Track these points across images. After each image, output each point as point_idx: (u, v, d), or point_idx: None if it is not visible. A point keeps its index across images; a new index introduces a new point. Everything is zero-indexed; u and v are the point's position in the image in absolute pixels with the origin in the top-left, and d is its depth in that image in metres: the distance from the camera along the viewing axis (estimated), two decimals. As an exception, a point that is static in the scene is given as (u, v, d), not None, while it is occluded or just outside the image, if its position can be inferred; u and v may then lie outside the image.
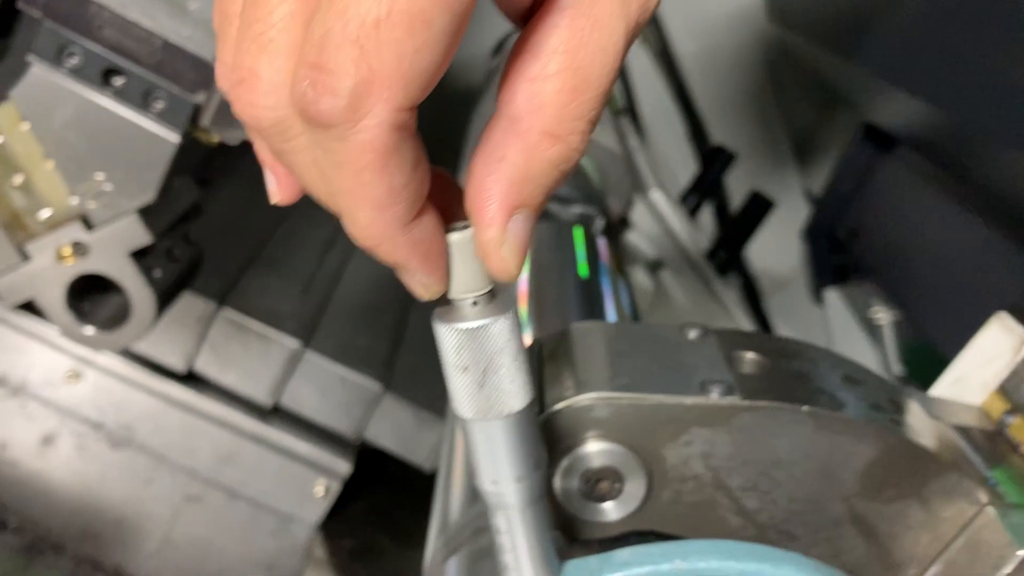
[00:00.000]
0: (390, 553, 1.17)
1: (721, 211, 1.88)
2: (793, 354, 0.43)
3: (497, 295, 0.32)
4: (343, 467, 1.12)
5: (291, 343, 1.09)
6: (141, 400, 1.08)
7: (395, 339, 1.25)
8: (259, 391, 1.10)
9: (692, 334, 0.44)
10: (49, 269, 0.85)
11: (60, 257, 0.84)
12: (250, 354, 1.09)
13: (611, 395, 0.39)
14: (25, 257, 0.84)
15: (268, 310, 1.11)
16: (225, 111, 0.81)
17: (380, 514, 1.21)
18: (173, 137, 0.80)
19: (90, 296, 0.90)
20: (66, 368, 1.06)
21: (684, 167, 1.90)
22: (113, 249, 0.84)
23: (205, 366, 1.09)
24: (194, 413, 1.09)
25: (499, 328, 0.31)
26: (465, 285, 0.32)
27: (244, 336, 1.08)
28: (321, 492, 1.12)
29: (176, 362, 1.07)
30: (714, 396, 0.39)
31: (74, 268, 0.85)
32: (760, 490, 0.40)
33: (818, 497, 0.40)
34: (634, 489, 0.40)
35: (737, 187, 1.85)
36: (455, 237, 0.31)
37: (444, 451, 0.62)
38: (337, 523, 1.15)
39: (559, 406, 0.39)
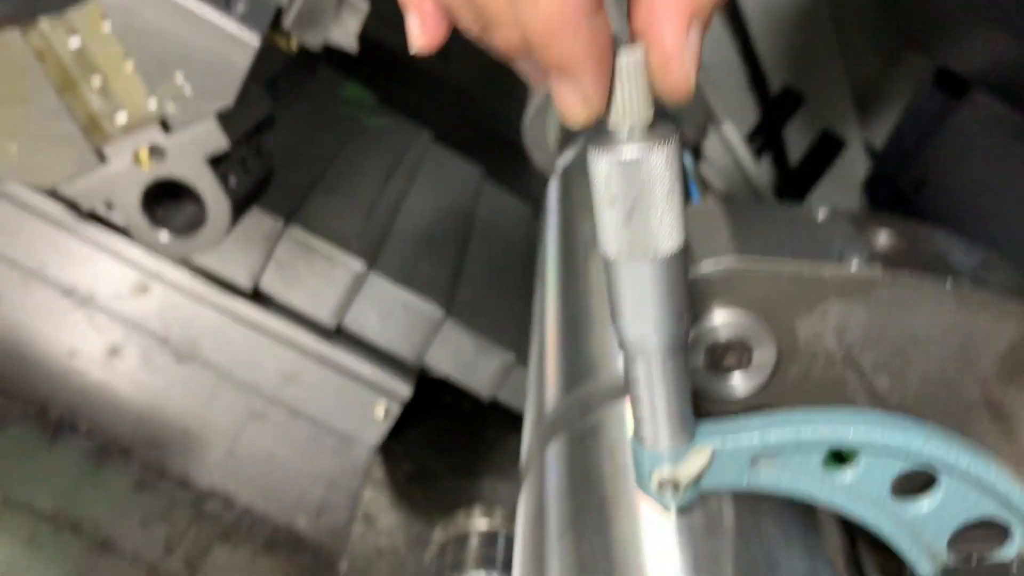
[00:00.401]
0: (445, 479, 1.18)
1: (779, 159, 1.84)
2: (927, 236, 0.41)
3: (656, 125, 0.31)
4: (404, 390, 1.12)
5: (356, 265, 1.09)
6: (207, 316, 1.08)
7: (456, 269, 1.25)
8: (323, 311, 1.10)
9: (821, 213, 0.42)
10: (126, 172, 0.85)
11: (137, 160, 0.84)
12: (315, 274, 1.09)
13: (747, 262, 0.38)
14: (102, 159, 0.84)
15: (333, 231, 1.10)
16: (306, 13, 0.80)
17: (435, 442, 1.22)
18: (254, 40, 0.79)
19: (163, 204, 0.90)
20: (133, 281, 1.07)
21: (745, 116, 1.87)
22: (190, 153, 0.83)
23: (270, 284, 1.09)
24: (258, 331, 1.09)
25: (655, 160, 0.30)
26: (624, 112, 0.30)
27: (309, 256, 1.08)
28: (381, 414, 1.12)
29: (242, 279, 1.08)
30: (855, 266, 0.37)
31: (151, 172, 0.84)
32: (892, 370, 0.39)
33: (952, 379, 0.39)
34: (763, 359, 0.38)
35: (794, 137, 1.81)
36: (622, 58, 0.30)
37: (533, 351, 0.61)
38: (395, 447, 1.15)
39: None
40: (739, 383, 0.39)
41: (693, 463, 0.34)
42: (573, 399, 0.49)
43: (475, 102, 1.84)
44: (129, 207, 0.86)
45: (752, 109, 1.87)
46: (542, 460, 0.48)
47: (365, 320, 1.12)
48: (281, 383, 1.10)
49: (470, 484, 1.19)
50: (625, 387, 0.46)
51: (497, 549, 0.57)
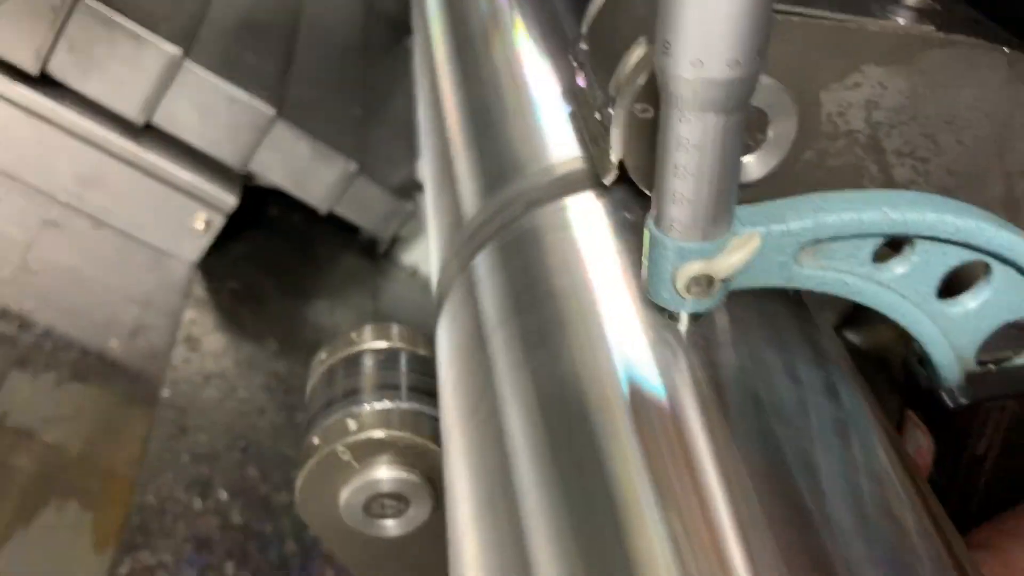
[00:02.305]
0: (274, 298, 1.07)
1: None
2: (960, 5, 0.35)
3: None
4: (228, 199, 0.99)
5: (168, 48, 0.92)
6: (-18, 104, 0.89)
7: (285, 64, 1.10)
8: (128, 104, 0.94)
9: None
10: None
11: None
12: (117, 58, 0.91)
13: (776, 11, 0.29)
14: None
15: (138, 9, 0.93)
16: None
17: (262, 259, 1.10)
18: None
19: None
20: None
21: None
22: None
23: (62, 68, 0.90)
24: (50, 124, 0.91)
25: None
26: None
27: (111, 35, 0.90)
28: (201, 226, 0.99)
29: (25, 60, 0.89)
30: (904, 22, 0.30)
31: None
32: (917, 157, 0.33)
33: (977, 172, 0.33)
34: (780, 136, 0.31)
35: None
36: None
37: (431, 155, 0.51)
38: (217, 264, 1.03)
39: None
40: (749, 163, 0.31)
41: (736, 255, 0.26)
42: (500, 201, 0.40)
43: None
44: None
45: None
46: (469, 276, 0.40)
47: (180, 117, 0.97)
48: (80, 188, 0.94)
49: (303, 305, 1.09)
50: (583, 178, 0.38)
51: (399, 372, 0.47)
